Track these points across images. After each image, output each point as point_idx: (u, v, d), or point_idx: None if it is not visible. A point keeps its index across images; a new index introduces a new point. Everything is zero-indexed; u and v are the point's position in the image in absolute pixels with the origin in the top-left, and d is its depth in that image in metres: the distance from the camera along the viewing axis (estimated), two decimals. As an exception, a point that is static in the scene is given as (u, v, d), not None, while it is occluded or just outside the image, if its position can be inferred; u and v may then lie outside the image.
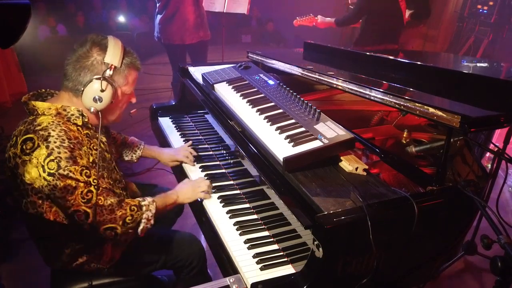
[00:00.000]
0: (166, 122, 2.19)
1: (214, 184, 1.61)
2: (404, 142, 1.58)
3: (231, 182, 1.66)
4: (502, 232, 1.03)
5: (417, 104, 1.23)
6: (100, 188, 1.24)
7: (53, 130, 1.19)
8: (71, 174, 1.17)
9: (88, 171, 1.22)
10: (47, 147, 1.16)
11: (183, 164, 1.80)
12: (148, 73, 6.64)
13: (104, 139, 1.43)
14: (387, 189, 1.17)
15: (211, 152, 1.90)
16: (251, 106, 1.53)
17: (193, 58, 4.14)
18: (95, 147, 1.32)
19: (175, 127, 2.14)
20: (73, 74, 1.27)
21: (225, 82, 1.76)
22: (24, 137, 1.19)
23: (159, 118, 2.23)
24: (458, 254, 2.32)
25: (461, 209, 1.30)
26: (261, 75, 1.78)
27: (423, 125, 1.74)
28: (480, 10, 5.41)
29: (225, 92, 1.69)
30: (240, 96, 1.62)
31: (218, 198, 1.55)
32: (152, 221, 1.36)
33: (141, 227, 1.34)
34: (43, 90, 1.38)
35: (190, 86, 2.07)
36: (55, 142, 1.17)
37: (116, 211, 1.27)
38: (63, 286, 1.44)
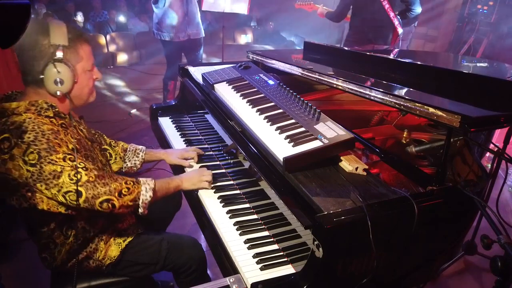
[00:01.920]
0: (166, 122, 2.19)
1: (214, 184, 1.61)
2: (404, 142, 1.58)
3: (231, 182, 1.66)
4: (502, 232, 1.03)
5: (417, 104, 1.23)
6: (89, 168, 1.25)
7: (26, 127, 1.20)
8: (53, 162, 1.19)
9: (72, 156, 1.23)
10: (23, 142, 1.18)
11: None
12: (148, 73, 6.65)
13: (82, 126, 1.44)
14: (387, 189, 1.17)
15: (211, 152, 1.90)
16: (251, 106, 1.53)
17: (189, 55, 4.28)
18: (72, 136, 1.32)
19: (175, 127, 2.14)
20: (28, 67, 1.27)
21: (225, 82, 1.76)
22: (0, 137, 1.20)
23: (159, 118, 2.23)
24: (458, 254, 2.32)
25: (461, 209, 1.30)
26: (261, 75, 1.78)
27: (423, 125, 1.74)
28: (480, 10, 5.41)
29: (225, 92, 1.69)
30: (240, 96, 1.62)
31: (218, 198, 1.54)
32: (150, 193, 1.35)
33: (140, 201, 1.33)
34: (10, 92, 1.38)
35: (190, 86, 2.07)
36: (29, 138, 1.19)
37: (110, 184, 1.27)
38: (63, 286, 1.44)
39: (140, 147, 1.81)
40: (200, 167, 1.76)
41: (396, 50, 3.50)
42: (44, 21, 1.30)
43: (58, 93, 1.28)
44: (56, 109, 1.31)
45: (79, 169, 1.22)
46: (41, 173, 1.18)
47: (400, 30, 3.68)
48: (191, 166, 1.75)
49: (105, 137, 1.75)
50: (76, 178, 1.21)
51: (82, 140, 1.38)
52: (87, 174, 1.23)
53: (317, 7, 4.05)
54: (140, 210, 1.35)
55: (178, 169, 1.80)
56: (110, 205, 1.27)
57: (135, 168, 1.78)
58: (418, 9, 3.72)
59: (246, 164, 1.74)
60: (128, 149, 1.78)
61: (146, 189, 1.34)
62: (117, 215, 1.46)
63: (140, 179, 1.37)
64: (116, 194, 1.27)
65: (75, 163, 1.22)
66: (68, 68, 1.28)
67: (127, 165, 1.76)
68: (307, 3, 4.10)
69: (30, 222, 1.37)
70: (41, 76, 1.26)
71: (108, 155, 1.70)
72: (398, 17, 3.63)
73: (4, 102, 1.29)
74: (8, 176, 1.21)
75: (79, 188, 1.21)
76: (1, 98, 1.34)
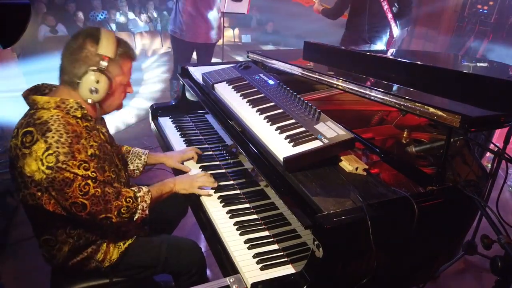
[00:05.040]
0: (166, 122, 2.19)
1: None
2: (404, 142, 1.58)
3: (231, 182, 1.66)
4: (502, 232, 1.03)
5: (417, 104, 1.23)
6: (98, 181, 1.26)
7: (52, 125, 1.21)
8: (69, 168, 1.19)
9: (86, 165, 1.23)
10: (45, 141, 1.18)
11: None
12: (148, 73, 6.64)
13: (104, 130, 1.45)
14: (387, 189, 1.17)
15: (211, 152, 1.90)
16: (251, 106, 1.53)
17: (203, 57, 4.24)
18: (95, 139, 1.34)
19: (175, 127, 2.14)
20: (68, 67, 1.29)
21: (225, 82, 1.76)
22: (24, 129, 1.21)
23: (159, 118, 2.23)
24: (458, 254, 2.33)
25: (461, 209, 1.30)
26: (261, 75, 1.78)
27: (423, 125, 1.74)
28: (480, 10, 5.42)
29: (225, 92, 1.69)
30: (240, 96, 1.62)
31: (218, 198, 1.54)
32: (147, 212, 1.39)
33: (136, 217, 1.37)
34: (41, 84, 1.39)
35: (190, 86, 2.07)
36: (53, 137, 1.19)
37: (112, 202, 1.29)
38: (63, 286, 1.44)
39: (143, 150, 1.81)
40: (200, 167, 1.76)
41: (394, 50, 3.51)
42: (98, 29, 1.31)
43: (90, 101, 1.31)
44: (85, 111, 1.32)
45: (88, 181, 1.23)
46: (55, 177, 1.19)
47: (395, 33, 3.68)
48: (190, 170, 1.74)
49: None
50: (84, 190, 1.23)
51: (102, 144, 1.39)
52: (95, 188, 1.25)
53: (313, 1, 4.00)
54: (134, 222, 1.38)
55: (179, 171, 1.80)
56: (108, 222, 1.31)
57: (137, 171, 1.77)
58: (410, 12, 3.72)
59: (247, 165, 1.73)
60: (131, 151, 1.78)
61: (143, 207, 1.38)
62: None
63: (138, 195, 1.38)
64: (116, 213, 1.31)
65: (87, 172, 1.23)
66: (107, 79, 1.30)
67: (129, 167, 1.76)
68: None
69: (34, 219, 1.37)
70: (78, 81, 1.28)
71: None
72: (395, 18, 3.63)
73: (34, 94, 1.30)
74: (23, 171, 1.21)
75: (85, 201, 1.23)
76: (31, 89, 1.35)
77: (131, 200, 1.35)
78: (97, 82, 1.28)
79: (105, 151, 1.38)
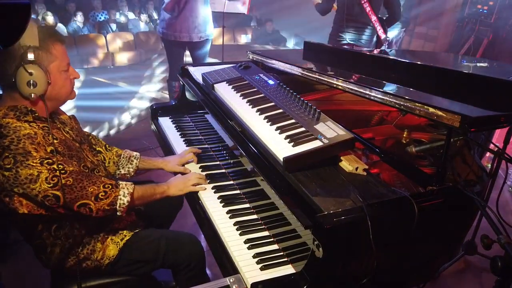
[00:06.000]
0: (166, 122, 2.19)
1: (214, 184, 1.61)
2: (404, 142, 1.58)
3: (231, 182, 1.66)
4: (502, 232, 1.03)
5: (417, 104, 1.23)
6: (68, 172, 1.24)
7: (1, 132, 1.20)
8: (30, 166, 1.18)
9: (49, 160, 1.22)
10: None
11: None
12: (148, 73, 6.65)
13: (68, 128, 1.43)
14: (387, 189, 1.17)
15: (211, 152, 1.90)
16: (251, 106, 1.54)
17: (196, 56, 4.15)
18: (55, 136, 1.31)
19: (175, 127, 2.14)
20: (1, 72, 1.23)
21: (225, 82, 1.76)
22: None
23: (159, 118, 2.23)
24: (458, 254, 2.33)
25: (461, 209, 1.30)
26: (261, 75, 1.78)
27: (423, 125, 1.74)
28: (480, 10, 5.42)
29: (225, 92, 1.69)
30: (240, 96, 1.62)
31: (218, 198, 1.55)
32: (128, 198, 1.35)
33: (118, 205, 1.33)
34: None
35: (190, 86, 2.07)
36: (5, 142, 1.18)
37: (88, 188, 1.27)
38: (63, 286, 1.44)
39: (135, 153, 1.78)
40: (200, 167, 1.76)
41: (393, 50, 3.49)
42: None
43: (33, 95, 1.24)
44: (36, 114, 1.29)
45: (57, 173, 1.21)
46: (17, 177, 1.18)
47: (382, 35, 3.62)
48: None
49: (101, 140, 1.74)
50: (53, 182, 1.21)
51: (67, 141, 1.36)
52: (65, 178, 1.23)
53: None
54: (118, 214, 1.35)
55: (179, 174, 1.80)
56: (87, 209, 1.28)
57: (128, 176, 1.75)
58: (399, 16, 3.70)
59: (247, 165, 1.73)
60: (122, 155, 1.75)
61: (124, 194, 1.35)
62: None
63: (120, 182, 1.37)
64: (93, 198, 1.28)
65: (53, 166, 1.21)
66: (40, 69, 1.23)
67: (120, 171, 1.74)
68: None
69: (18, 225, 1.36)
70: (14, 79, 1.22)
71: (102, 158, 1.67)
72: (381, 21, 3.58)
73: None
74: None
75: (57, 192, 1.21)
76: None
77: (109, 186, 1.32)
78: (31, 74, 1.21)
79: (70, 147, 1.35)
